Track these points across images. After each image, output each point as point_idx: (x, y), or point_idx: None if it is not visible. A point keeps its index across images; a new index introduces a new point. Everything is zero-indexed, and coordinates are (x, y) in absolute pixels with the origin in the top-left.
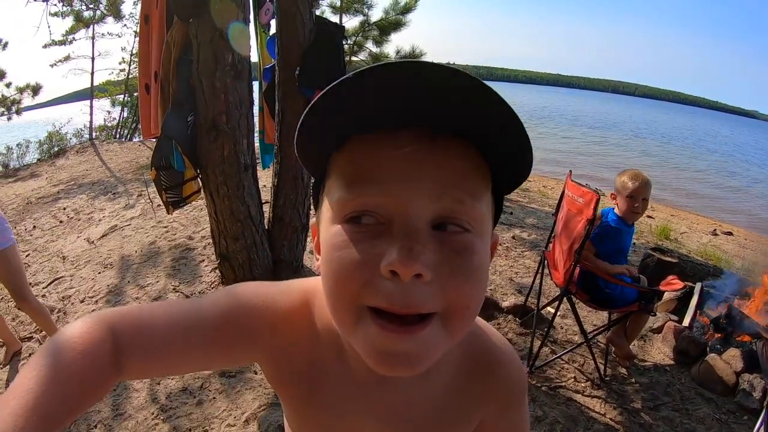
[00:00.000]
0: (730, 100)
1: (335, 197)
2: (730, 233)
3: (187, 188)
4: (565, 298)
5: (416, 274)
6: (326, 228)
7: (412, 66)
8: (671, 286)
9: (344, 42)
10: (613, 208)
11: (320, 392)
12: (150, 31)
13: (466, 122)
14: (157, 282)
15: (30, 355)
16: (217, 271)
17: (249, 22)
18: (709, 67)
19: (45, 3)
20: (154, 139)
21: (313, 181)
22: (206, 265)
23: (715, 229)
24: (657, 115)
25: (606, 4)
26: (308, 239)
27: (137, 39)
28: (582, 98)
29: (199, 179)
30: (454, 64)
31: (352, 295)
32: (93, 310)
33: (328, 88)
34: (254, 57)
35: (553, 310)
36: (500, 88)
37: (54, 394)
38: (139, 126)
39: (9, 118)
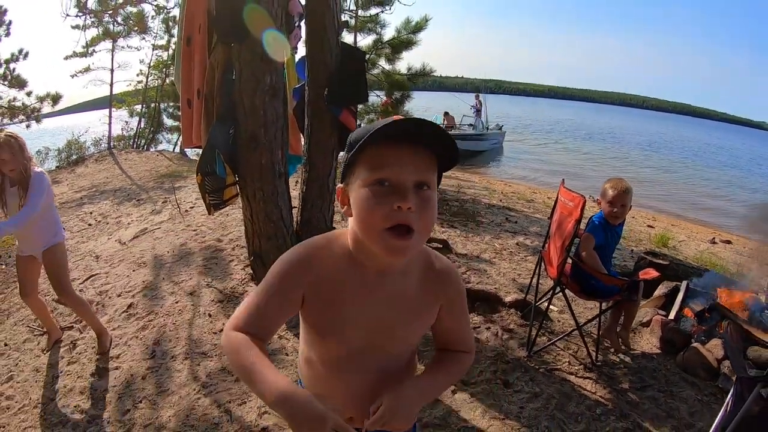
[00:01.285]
0: (737, 111)
1: (365, 173)
2: (728, 242)
3: (227, 192)
4: (560, 292)
5: (408, 208)
6: (358, 190)
7: (411, 120)
8: (647, 275)
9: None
10: (602, 212)
11: (340, 299)
12: (192, 52)
13: (432, 143)
14: (191, 279)
15: (72, 343)
16: (248, 269)
17: None
18: (715, 78)
19: (81, 18)
20: (196, 149)
21: (342, 167)
22: (236, 264)
23: (714, 238)
24: (668, 128)
25: (611, 17)
26: None
27: (180, 59)
28: (593, 112)
29: (237, 185)
30: (462, 77)
31: (378, 222)
32: (130, 304)
33: (380, 126)
34: None
35: (551, 306)
36: (510, 102)
37: (263, 357)
38: (176, 137)
39: (28, 126)
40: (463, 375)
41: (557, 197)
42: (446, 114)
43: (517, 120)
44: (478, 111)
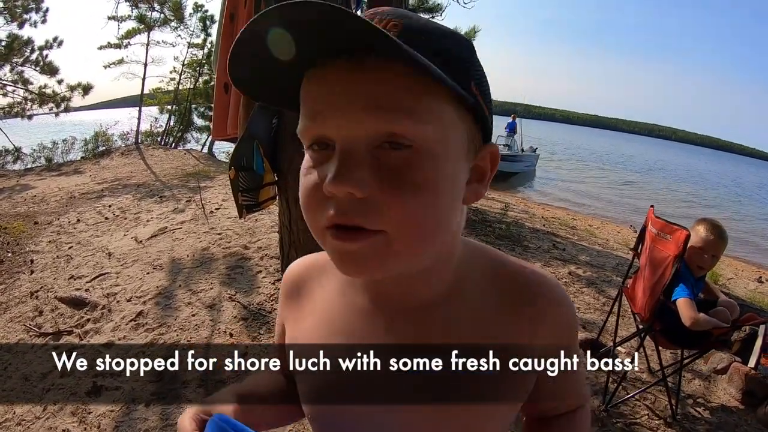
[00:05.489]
0: (765, 146)
1: (299, 129)
2: None
3: (263, 193)
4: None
5: (349, 193)
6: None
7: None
8: (752, 320)
9: None
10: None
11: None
12: (235, 30)
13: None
14: (211, 289)
15: (69, 349)
16: (278, 284)
17: None
18: (746, 112)
19: (116, 3)
20: (224, 141)
21: None
22: (264, 277)
23: (760, 277)
24: (699, 161)
25: (645, 46)
26: None
27: (221, 38)
28: (625, 141)
29: (275, 186)
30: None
31: (315, 215)
32: (140, 311)
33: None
34: None
35: (623, 350)
36: (539, 127)
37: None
38: (205, 137)
39: (57, 115)
40: None
41: (645, 226)
42: None
43: (551, 145)
44: (512, 131)
